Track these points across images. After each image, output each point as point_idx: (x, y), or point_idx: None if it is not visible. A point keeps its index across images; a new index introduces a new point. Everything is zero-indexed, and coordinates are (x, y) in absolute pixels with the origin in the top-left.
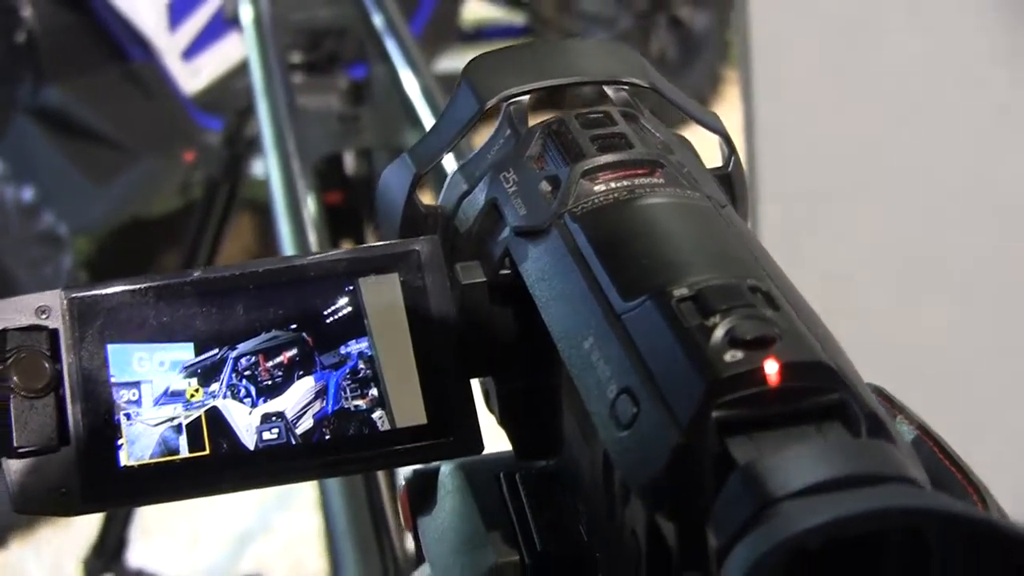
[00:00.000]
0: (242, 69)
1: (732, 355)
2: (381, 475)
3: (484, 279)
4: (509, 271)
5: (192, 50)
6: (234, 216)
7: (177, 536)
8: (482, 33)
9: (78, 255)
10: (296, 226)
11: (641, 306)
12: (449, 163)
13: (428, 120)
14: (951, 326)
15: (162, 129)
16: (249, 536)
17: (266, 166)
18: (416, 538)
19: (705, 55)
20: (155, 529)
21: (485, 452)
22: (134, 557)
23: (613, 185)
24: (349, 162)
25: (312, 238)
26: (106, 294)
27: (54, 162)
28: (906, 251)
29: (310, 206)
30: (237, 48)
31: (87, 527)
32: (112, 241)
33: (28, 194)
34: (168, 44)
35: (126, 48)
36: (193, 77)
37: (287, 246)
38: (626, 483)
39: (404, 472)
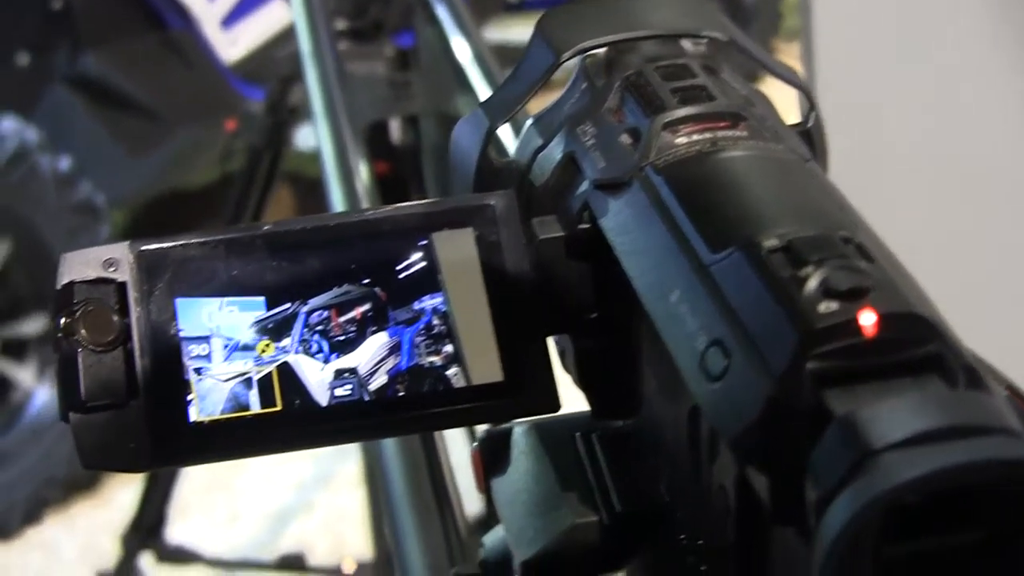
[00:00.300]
0: (281, 38)
1: (826, 306)
2: (438, 438)
3: (561, 233)
4: (588, 225)
5: (231, 19)
6: (276, 187)
7: (216, 514)
8: (526, 4)
9: (115, 227)
10: (349, 193)
11: (729, 257)
12: (505, 133)
13: (480, 85)
14: (1013, 307)
15: (201, 98)
16: (289, 514)
17: (316, 133)
18: (489, 500)
19: (756, 27)
20: (193, 507)
21: (560, 412)
22: (172, 535)
23: (695, 137)
24: (395, 131)
25: (365, 206)
26: (175, 247)
27: (91, 131)
28: (971, 237)
29: (362, 174)
30: (276, 17)
31: (124, 503)
32: (149, 212)
33: (65, 164)
34: (207, 12)
35: (164, 16)
36: (232, 46)
37: None
38: (715, 437)
39: (477, 432)
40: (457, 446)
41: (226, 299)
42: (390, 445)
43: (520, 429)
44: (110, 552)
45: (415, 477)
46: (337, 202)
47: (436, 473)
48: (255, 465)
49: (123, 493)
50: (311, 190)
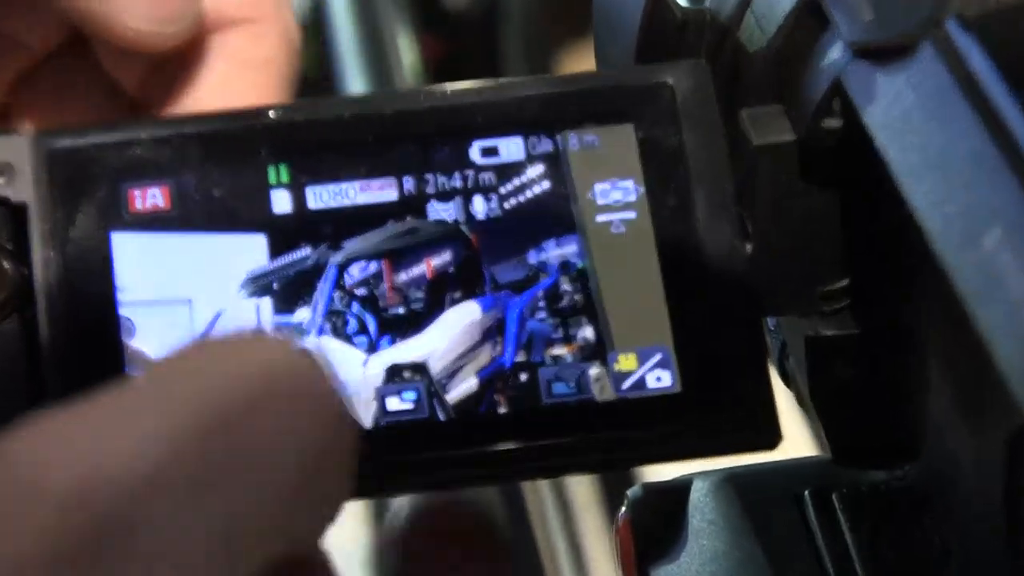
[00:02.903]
0: None
1: None
2: (529, 495)
3: (793, 136)
4: (838, 121)
5: None
6: None
7: None
8: None
9: None
10: (380, 86)
11: None
12: None
13: None
14: None
15: None
16: None
17: None
18: None
19: None
20: None
21: (776, 456)
22: None
23: None
24: None
25: None
26: (111, 144)
27: None
28: None
29: (404, 53)
30: None
31: None
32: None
33: None
34: None
35: None
36: None
37: None
38: None
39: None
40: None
41: (201, 236)
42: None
43: (705, 482)
44: None
45: None
46: None
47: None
48: None
49: None
50: (297, 91)
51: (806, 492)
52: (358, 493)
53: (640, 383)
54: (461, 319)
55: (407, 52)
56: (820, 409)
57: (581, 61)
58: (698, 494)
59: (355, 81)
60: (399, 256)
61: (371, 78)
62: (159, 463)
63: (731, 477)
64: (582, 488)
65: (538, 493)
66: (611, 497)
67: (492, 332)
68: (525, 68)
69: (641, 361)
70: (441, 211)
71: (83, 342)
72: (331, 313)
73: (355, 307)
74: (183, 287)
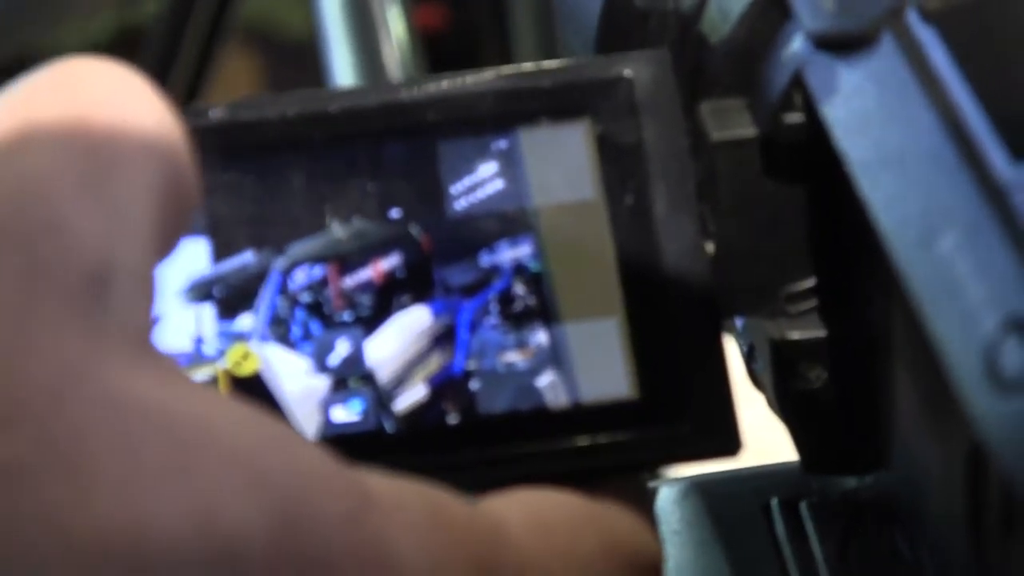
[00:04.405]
0: None
1: None
2: None
3: (754, 131)
4: (800, 116)
5: None
6: (221, 56)
7: None
8: None
9: None
10: (368, 62)
11: None
12: None
13: None
14: None
15: None
16: None
17: None
18: None
19: None
20: None
21: (744, 463)
22: None
23: None
24: None
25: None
26: None
27: None
28: None
29: (393, 25)
30: None
31: None
32: None
33: None
34: None
35: None
36: None
37: None
38: (1012, 496)
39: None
40: None
41: None
42: None
43: (670, 491)
44: None
45: None
46: (346, 79)
47: None
48: None
49: None
50: (292, 61)
51: (773, 500)
52: None
53: (596, 390)
54: (410, 325)
55: (397, 21)
56: (787, 414)
57: None
58: (663, 503)
59: (340, 52)
60: (347, 261)
61: (359, 52)
62: (54, 164)
63: (697, 485)
64: None
65: None
66: None
67: (444, 338)
68: (536, 38)
69: (597, 367)
70: (391, 212)
71: None
72: (275, 320)
73: (300, 313)
74: None
